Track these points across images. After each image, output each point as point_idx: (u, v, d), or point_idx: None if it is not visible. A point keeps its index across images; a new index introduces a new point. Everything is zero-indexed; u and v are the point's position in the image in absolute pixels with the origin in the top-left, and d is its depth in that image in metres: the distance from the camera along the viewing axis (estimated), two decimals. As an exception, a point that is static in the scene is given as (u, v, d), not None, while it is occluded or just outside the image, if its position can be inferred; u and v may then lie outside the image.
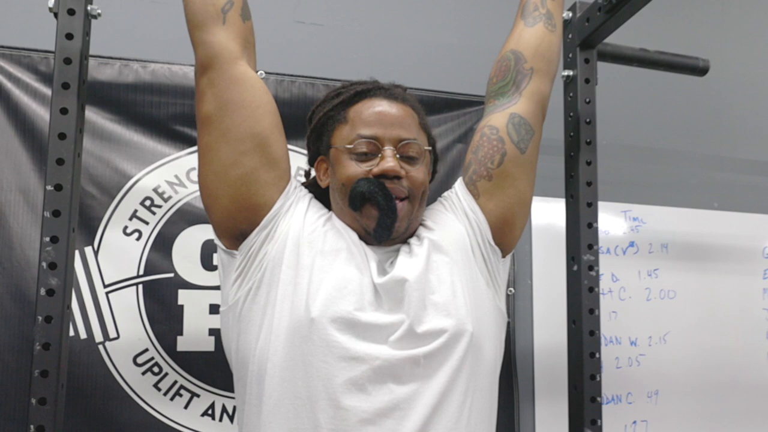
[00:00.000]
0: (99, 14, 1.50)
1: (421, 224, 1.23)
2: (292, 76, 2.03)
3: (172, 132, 1.91)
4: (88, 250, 1.80)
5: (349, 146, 1.17)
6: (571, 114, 1.77)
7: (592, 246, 1.68)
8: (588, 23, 1.74)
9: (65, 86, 1.41)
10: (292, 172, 1.25)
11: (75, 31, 1.44)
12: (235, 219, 1.16)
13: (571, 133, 1.77)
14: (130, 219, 1.84)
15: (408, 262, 1.15)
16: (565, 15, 1.81)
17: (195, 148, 1.91)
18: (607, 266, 2.28)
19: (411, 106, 1.24)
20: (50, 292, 1.33)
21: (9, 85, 1.83)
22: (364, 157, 1.17)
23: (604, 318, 2.23)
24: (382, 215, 1.14)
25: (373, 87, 1.24)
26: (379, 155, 1.16)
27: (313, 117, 1.30)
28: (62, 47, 1.43)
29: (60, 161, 1.38)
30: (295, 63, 2.09)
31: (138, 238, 1.83)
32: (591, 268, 1.67)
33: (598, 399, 1.62)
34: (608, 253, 2.30)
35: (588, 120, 1.75)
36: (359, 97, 1.22)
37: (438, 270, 1.16)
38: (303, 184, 1.30)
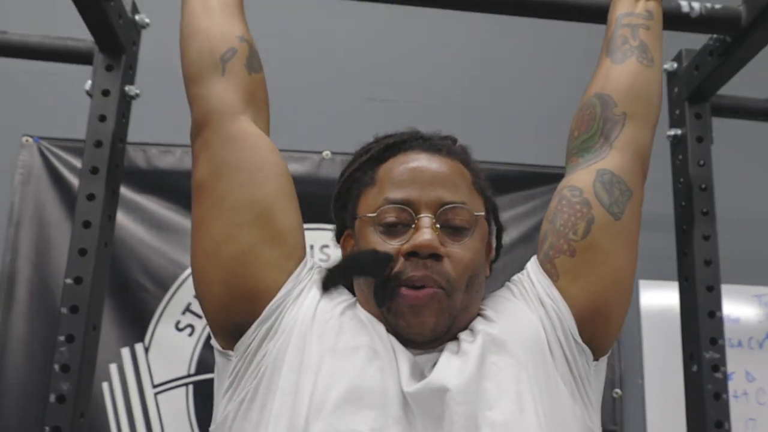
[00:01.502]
0: (137, 95, 1.39)
1: (478, 314, 0.94)
2: (360, 154, 1.85)
3: (232, 218, 1.76)
4: (139, 347, 1.64)
5: (372, 214, 0.91)
6: (682, 180, 1.46)
7: (717, 341, 1.32)
8: (697, 71, 1.45)
9: (93, 171, 1.29)
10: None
11: (108, 113, 1.33)
12: (230, 310, 0.92)
13: (683, 203, 1.45)
14: (183, 313, 1.68)
15: (451, 364, 0.85)
16: (668, 66, 1.54)
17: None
18: (739, 363, 1.88)
19: (461, 160, 0.96)
20: (60, 399, 1.16)
21: (71, 177, 1.76)
22: (393, 230, 0.89)
23: (740, 427, 1.81)
24: (376, 290, 0.87)
25: (409, 137, 0.96)
26: (413, 225, 0.88)
27: (339, 181, 1.04)
28: (94, 130, 1.32)
29: (82, 251, 1.24)
30: (366, 142, 1.92)
31: (190, 334, 1.66)
32: (716, 368, 1.31)
33: None
34: (740, 347, 1.90)
35: (703, 186, 1.43)
36: (391, 151, 0.95)
37: (498, 376, 0.85)
38: None
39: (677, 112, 1.51)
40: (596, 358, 0.94)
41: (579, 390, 0.91)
